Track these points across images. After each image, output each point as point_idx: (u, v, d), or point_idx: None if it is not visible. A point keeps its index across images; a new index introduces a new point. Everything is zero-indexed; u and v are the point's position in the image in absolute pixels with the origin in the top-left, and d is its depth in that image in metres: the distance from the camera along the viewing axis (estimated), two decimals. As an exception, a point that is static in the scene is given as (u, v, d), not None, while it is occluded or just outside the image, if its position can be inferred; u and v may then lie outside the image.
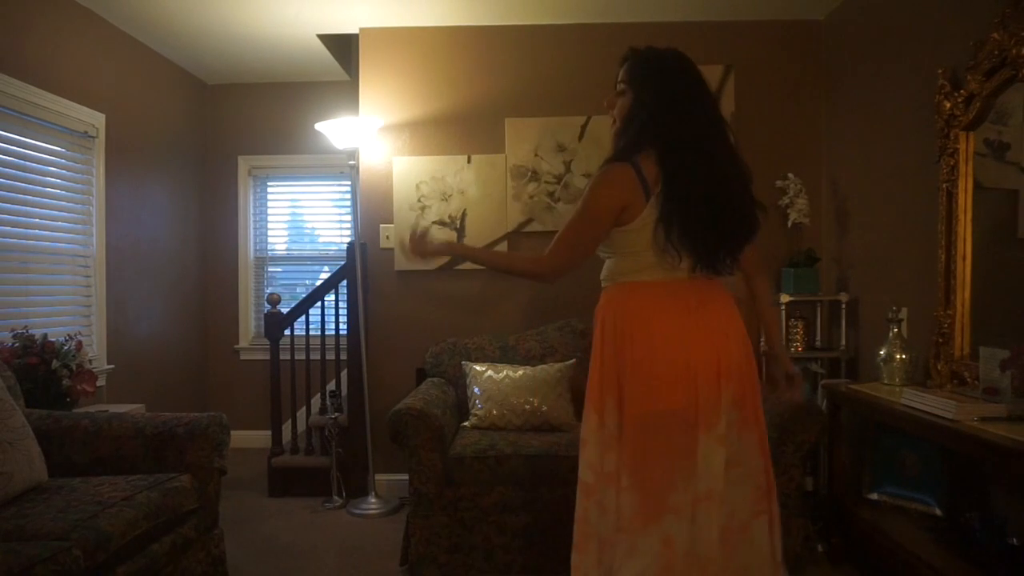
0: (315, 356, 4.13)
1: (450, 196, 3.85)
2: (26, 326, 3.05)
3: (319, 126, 3.72)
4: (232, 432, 2.68)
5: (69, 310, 3.60)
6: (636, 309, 1.85)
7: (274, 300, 3.99)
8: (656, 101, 1.80)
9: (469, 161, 3.85)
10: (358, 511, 3.63)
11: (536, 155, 3.83)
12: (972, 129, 2.58)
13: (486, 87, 3.88)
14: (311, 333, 4.08)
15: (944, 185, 2.68)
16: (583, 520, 1.87)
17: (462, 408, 3.33)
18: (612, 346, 1.88)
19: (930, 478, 2.68)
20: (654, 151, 1.78)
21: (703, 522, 1.76)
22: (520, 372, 3.25)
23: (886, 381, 2.78)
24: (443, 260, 3.74)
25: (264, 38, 4.13)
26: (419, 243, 2.03)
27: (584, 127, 3.81)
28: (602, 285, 2.00)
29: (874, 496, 2.83)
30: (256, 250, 5.14)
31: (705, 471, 1.76)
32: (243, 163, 5.07)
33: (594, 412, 1.89)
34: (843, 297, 3.50)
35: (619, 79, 1.89)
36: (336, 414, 3.79)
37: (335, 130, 3.66)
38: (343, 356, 4.10)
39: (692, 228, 1.77)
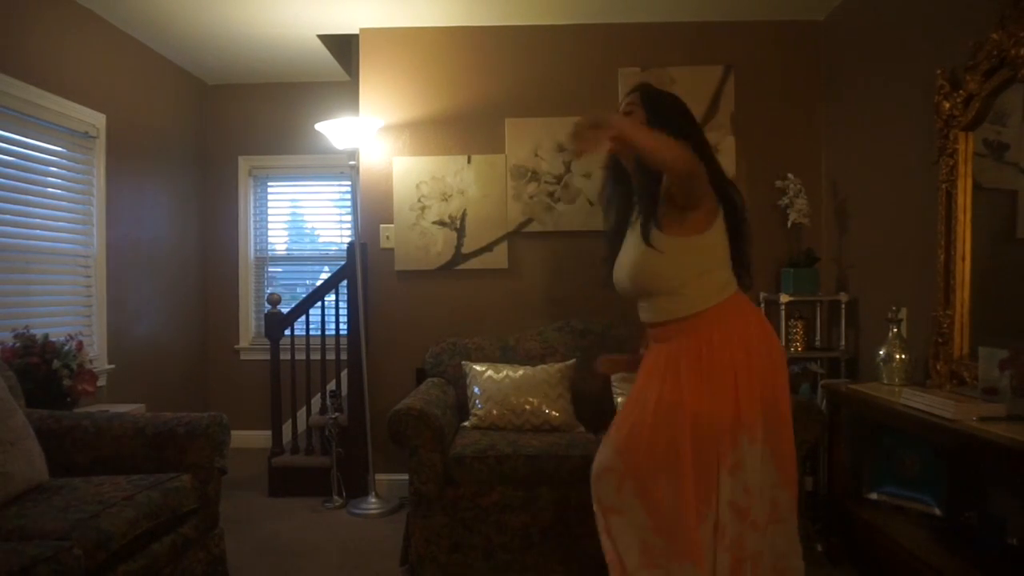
0: (315, 356, 4.14)
1: (450, 196, 3.85)
2: (27, 326, 3.06)
3: (319, 126, 3.72)
4: (232, 432, 2.69)
5: (70, 310, 3.60)
6: (761, 327, 1.98)
7: (274, 300, 4.00)
8: (668, 123, 1.90)
9: (469, 161, 3.85)
10: (358, 511, 3.63)
11: (536, 155, 3.83)
12: (971, 129, 2.59)
13: (486, 87, 3.89)
14: (311, 333, 4.08)
15: (943, 185, 2.68)
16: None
17: (462, 408, 3.33)
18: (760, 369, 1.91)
19: (930, 478, 2.68)
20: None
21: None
22: (520, 372, 3.25)
23: (886, 381, 2.79)
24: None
25: (264, 38, 4.14)
26: (591, 128, 1.79)
27: (584, 127, 3.81)
28: (699, 310, 1.92)
29: (874, 496, 2.84)
30: (256, 250, 5.15)
31: None
32: (243, 163, 5.07)
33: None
34: (843, 297, 3.50)
35: (627, 103, 2.00)
36: (336, 414, 3.79)
37: (335, 130, 3.67)
38: (343, 356, 4.10)
39: (747, 246, 2.01)
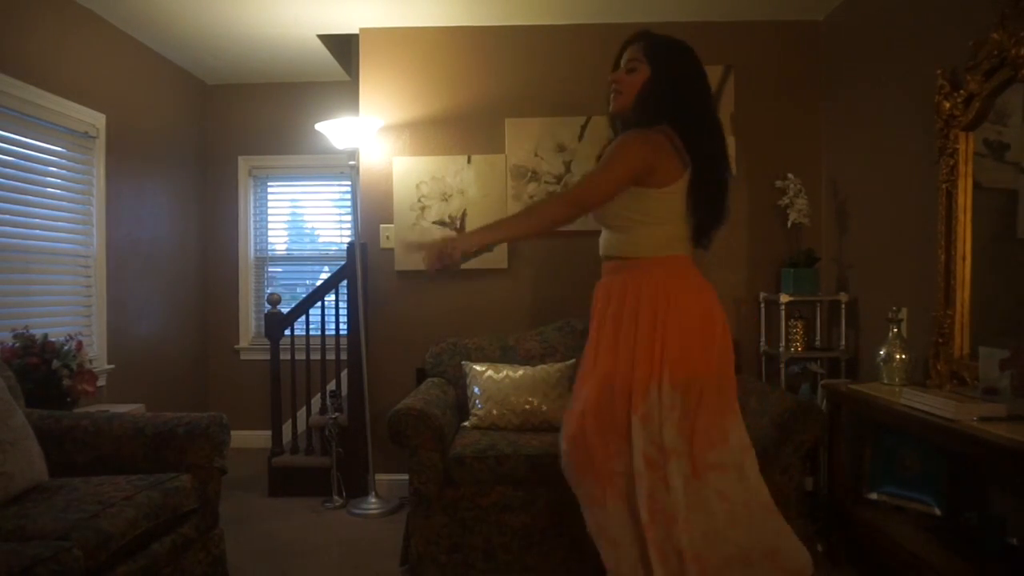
0: (315, 356, 4.13)
1: (450, 196, 3.85)
2: (26, 326, 3.05)
3: (319, 126, 3.72)
4: (232, 432, 2.68)
5: (69, 310, 3.60)
6: (682, 283, 1.98)
7: (274, 300, 3.99)
8: (678, 79, 1.94)
9: (469, 161, 3.85)
10: (358, 511, 3.63)
11: (536, 155, 3.83)
12: (972, 129, 2.58)
13: (486, 87, 3.89)
14: (311, 333, 4.08)
15: (944, 185, 2.68)
16: (651, 496, 1.89)
17: (462, 408, 3.33)
18: (663, 317, 1.93)
19: (930, 478, 2.68)
20: (674, 126, 1.91)
21: (751, 471, 1.96)
22: (520, 372, 3.25)
23: (886, 381, 2.78)
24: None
25: (264, 38, 4.14)
26: (443, 251, 1.92)
27: (584, 127, 3.81)
28: (622, 257, 2.03)
29: (874, 496, 2.83)
30: (256, 250, 5.15)
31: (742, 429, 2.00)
32: (243, 163, 5.07)
33: (654, 384, 1.91)
34: (843, 297, 3.50)
35: (630, 57, 1.98)
36: (336, 414, 3.79)
37: (335, 130, 3.67)
38: (343, 356, 4.10)
39: (711, 202, 1.97)
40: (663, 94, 1.93)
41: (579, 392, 2.06)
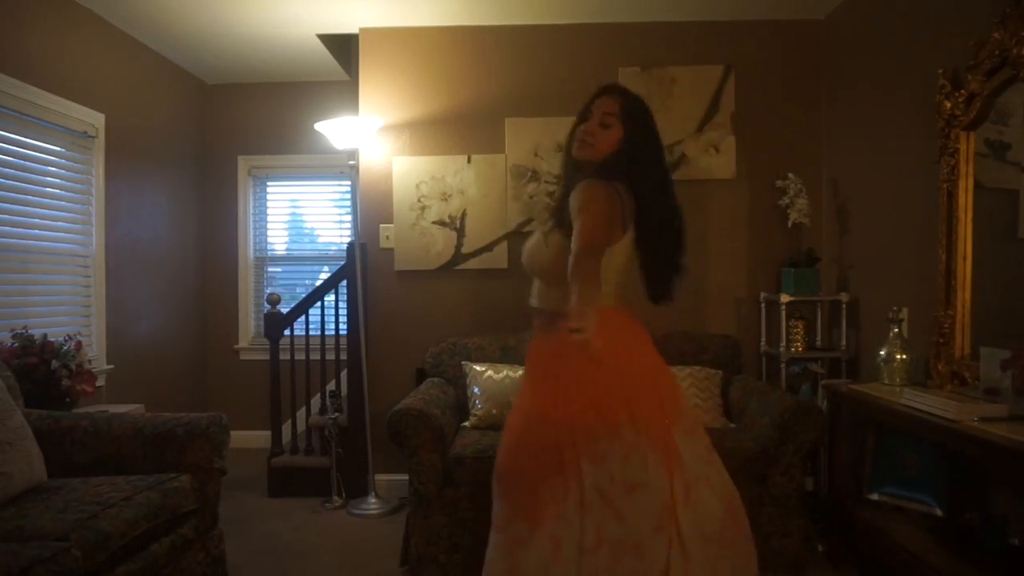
0: (315, 356, 4.13)
1: (450, 196, 3.84)
2: (26, 326, 3.05)
3: (319, 126, 3.72)
4: (232, 432, 2.68)
5: (69, 310, 3.60)
6: (619, 331, 2.01)
7: (274, 300, 3.99)
8: (644, 142, 2.01)
9: (469, 161, 3.85)
10: (358, 511, 3.63)
11: (536, 155, 3.83)
12: (972, 129, 2.58)
13: (486, 87, 3.88)
14: (311, 333, 4.08)
15: (944, 185, 2.68)
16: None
17: (462, 408, 3.32)
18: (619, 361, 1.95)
19: (930, 478, 2.67)
20: (631, 185, 1.97)
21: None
22: (520, 372, 3.22)
23: (886, 381, 2.78)
24: None
25: (264, 38, 4.13)
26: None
27: (584, 127, 3.80)
28: (556, 312, 1.95)
29: (874, 496, 2.83)
30: (256, 250, 5.14)
31: None
32: (243, 163, 5.06)
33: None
34: (843, 297, 3.50)
35: (606, 111, 2.01)
36: (336, 414, 3.79)
37: (335, 130, 3.66)
38: (343, 356, 4.10)
39: (668, 256, 2.07)
40: (635, 158, 1.99)
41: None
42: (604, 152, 2.00)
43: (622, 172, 1.98)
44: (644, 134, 2.02)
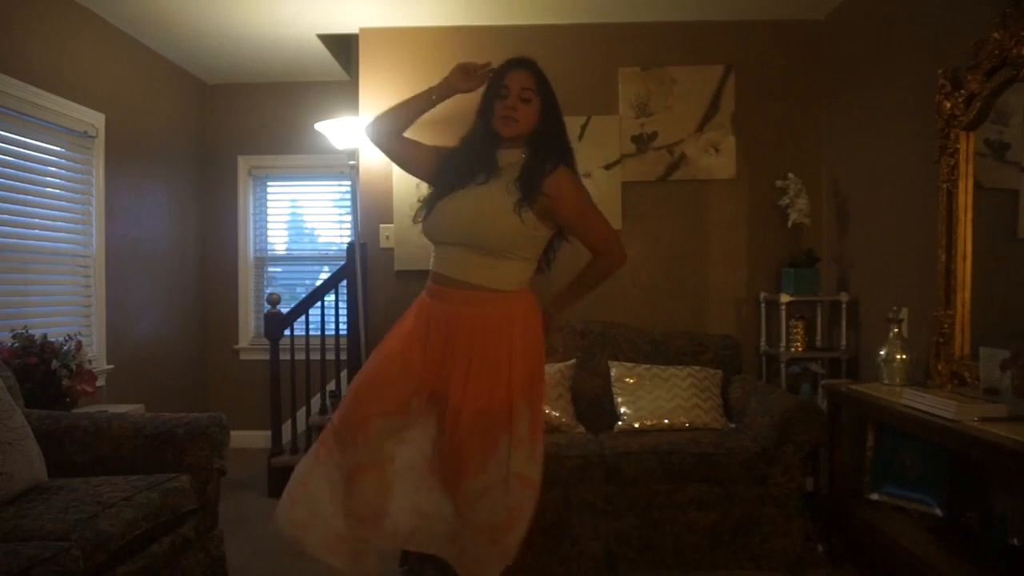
0: (315, 356, 4.13)
1: (450, 196, 3.83)
2: (26, 326, 3.05)
3: (319, 126, 3.72)
4: (232, 432, 2.68)
5: (69, 310, 3.60)
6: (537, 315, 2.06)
7: (274, 300, 3.99)
8: (558, 115, 2.05)
9: (469, 161, 3.84)
10: (358, 511, 3.62)
11: (536, 155, 3.82)
12: (972, 129, 2.58)
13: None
14: (311, 333, 4.07)
15: (944, 185, 2.68)
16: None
17: (462, 408, 3.32)
18: (535, 346, 2.01)
19: (930, 478, 2.67)
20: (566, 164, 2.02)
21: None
22: (520, 372, 3.24)
23: (886, 381, 2.78)
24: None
25: (264, 38, 4.13)
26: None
27: (584, 127, 3.80)
28: (501, 290, 1.97)
29: (874, 496, 2.83)
30: (256, 250, 5.14)
31: None
32: (243, 163, 5.06)
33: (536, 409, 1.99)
34: (843, 297, 3.50)
35: (524, 85, 1.99)
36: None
37: (335, 130, 3.67)
38: (343, 356, 4.09)
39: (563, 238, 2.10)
40: (557, 133, 2.03)
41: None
42: (527, 127, 2.00)
43: (554, 150, 2.01)
44: (555, 106, 2.05)
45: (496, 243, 1.94)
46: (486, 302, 1.95)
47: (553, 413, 3.13)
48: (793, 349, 3.55)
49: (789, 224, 3.65)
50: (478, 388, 1.90)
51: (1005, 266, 2.52)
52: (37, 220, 3.38)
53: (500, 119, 1.99)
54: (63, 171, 3.57)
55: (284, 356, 4.06)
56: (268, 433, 4.10)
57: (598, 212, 2.05)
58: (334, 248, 5.18)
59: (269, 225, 5.19)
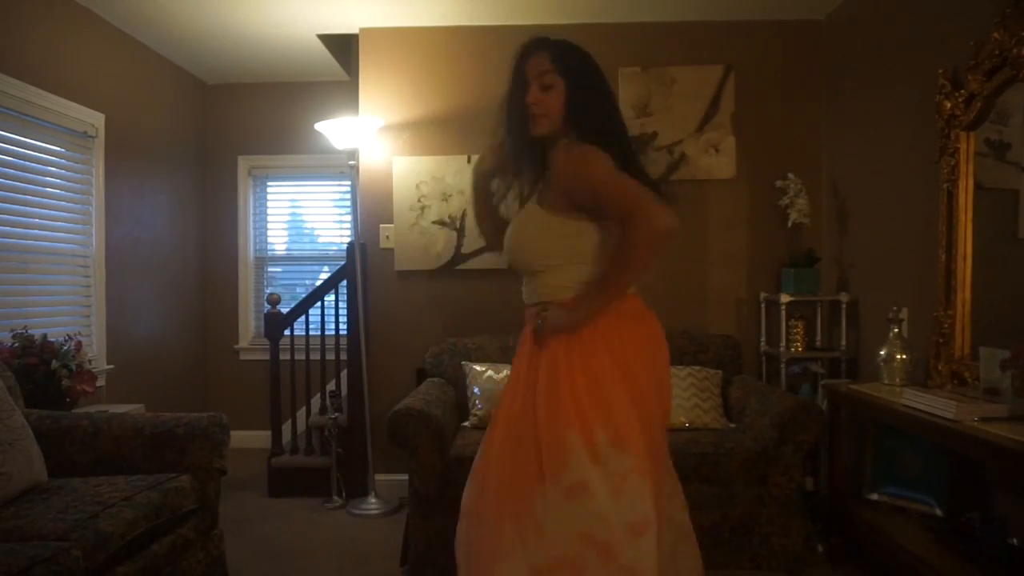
0: (315, 356, 4.13)
1: (450, 196, 3.84)
2: (26, 326, 3.05)
3: (319, 126, 3.72)
4: (232, 432, 2.68)
5: (69, 310, 3.60)
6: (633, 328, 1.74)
7: (274, 300, 3.99)
8: (589, 92, 1.71)
9: (469, 161, 3.84)
10: (358, 511, 3.63)
11: (536, 155, 3.82)
12: (973, 129, 2.58)
13: (486, 87, 3.87)
14: (311, 333, 4.08)
15: (944, 185, 2.68)
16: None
17: (462, 408, 3.32)
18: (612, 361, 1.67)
19: (930, 478, 2.67)
20: (608, 149, 1.65)
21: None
22: (520, 372, 3.24)
23: (886, 381, 2.78)
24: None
25: (264, 38, 4.13)
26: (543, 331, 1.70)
27: (584, 127, 3.80)
28: (548, 301, 1.72)
29: (874, 496, 2.83)
30: (256, 250, 5.14)
31: None
32: (243, 163, 5.06)
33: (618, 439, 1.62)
34: (843, 297, 3.50)
35: (541, 71, 1.70)
36: (336, 414, 3.79)
37: (335, 130, 3.66)
38: (343, 356, 4.10)
39: None
40: (588, 109, 1.70)
41: None
42: (557, 118, 1.70)
43: (585, 129, 1.68)
44: (584, 80, 1.70)
45: (530, 262, 1.75)
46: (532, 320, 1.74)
47: (553, 413, 3.14)
48: (793, 349, 3.55)
49: (789, 224, 3.65)
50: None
51: (1005, 266, 2.52)
52: (37, 220, 3.38)
53: (530, 119, 1.72)
54: (63, 171, 3.57)
55: (284, 356, 4.06)
56: (268, 433, 4.10)
57: (618, 179, 1.61)
58: (334, 248, 5.18)
59: (269, 225, 5.19)
